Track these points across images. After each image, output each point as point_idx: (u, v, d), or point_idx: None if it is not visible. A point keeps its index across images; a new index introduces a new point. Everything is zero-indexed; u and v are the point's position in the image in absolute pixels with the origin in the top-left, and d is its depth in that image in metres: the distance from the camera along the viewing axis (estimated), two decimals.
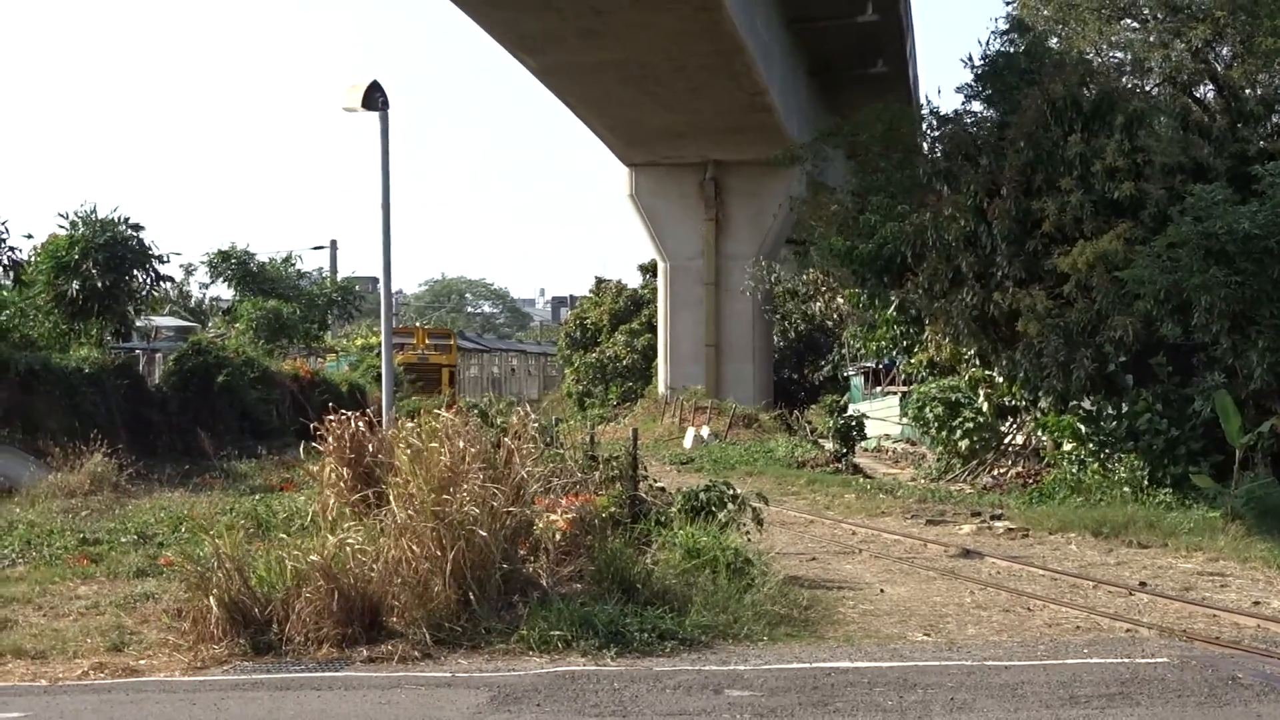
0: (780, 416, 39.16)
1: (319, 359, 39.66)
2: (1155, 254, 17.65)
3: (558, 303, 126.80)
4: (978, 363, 23.77)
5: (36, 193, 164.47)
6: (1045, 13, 25.32)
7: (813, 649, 9.76)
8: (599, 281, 58.60)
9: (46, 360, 22.95)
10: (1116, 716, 7.83)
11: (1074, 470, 20.09)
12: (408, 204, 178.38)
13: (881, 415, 33.37)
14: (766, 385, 43.68)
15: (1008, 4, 26.03)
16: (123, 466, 19.38)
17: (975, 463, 24.56)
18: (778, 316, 46.69)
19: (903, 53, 41.14)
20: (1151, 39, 24.29)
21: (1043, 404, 21.58)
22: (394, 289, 27.97)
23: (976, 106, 23.10)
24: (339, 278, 48.74)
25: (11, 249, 24.16)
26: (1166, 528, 15.96)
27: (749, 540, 12.77)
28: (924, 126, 24.28)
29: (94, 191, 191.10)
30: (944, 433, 25.18)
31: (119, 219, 25.95)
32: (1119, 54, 25.12)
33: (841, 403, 33.85)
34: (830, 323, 44.81)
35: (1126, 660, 9.37)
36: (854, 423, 27.87)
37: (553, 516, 10.90)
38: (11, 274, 24.32)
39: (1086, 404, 19.93)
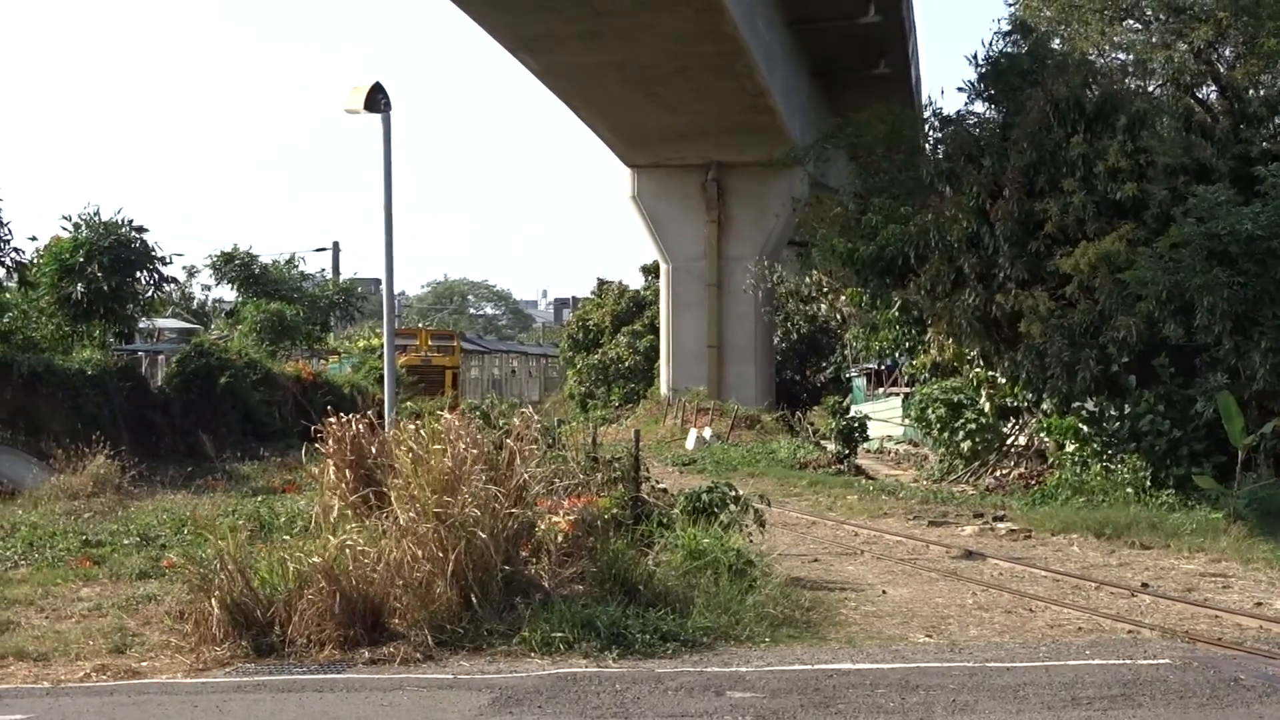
0: (782, 418, 39.11)
1: (321, 361, 39.62)
2: (1158, 255, 17.66)
3: (560, 304, 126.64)
4: (980, 364, 23.74)
5: (40, 195, 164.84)
6: (1048, 13, 25.31)
7: (815, 650, 9.77)
8: (601, 283, 58.50)
9: (50, 362, 22.99)
10: (1118, 718, 7.83)
11: (1076, 471, 20.07)
12: (410, 206, 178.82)
13: (884, 416, 33.33)
14: (769, 386, 43.60)
15: (1010, 5, 26.06)
16: (125, 468, 19.39)
17: (977, 464, 24.53)
18: (780, 318, 46.66)
19: (905, 54, 41.07)
20: (1154, 40, 24.28)
21: (1045, 405, 21.58)
22: (396, 290, 27.99)
23: (979, 107, 23.14)
24: (341, 279, 48.64)
25: (16, 251, 24.21)
26: (1169, 529, 15.97)
27: (751, 542, 12.76)
28: (926, 127, 24.30)
29: (98, 194, 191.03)
30: (946, 434, 25.15)
31: (122, 221, 26.03)
32: (1121, 55, 25.10)
33: (844, 404, 33.77)
34: (833, 324, 44.87)
35: (1128, 662, 9.37)
36: (856, 424, 27.89)
37: (554, 518, 10.87)
38: (16, 276, 24.34)
39: (1089, 405, 19.92)
